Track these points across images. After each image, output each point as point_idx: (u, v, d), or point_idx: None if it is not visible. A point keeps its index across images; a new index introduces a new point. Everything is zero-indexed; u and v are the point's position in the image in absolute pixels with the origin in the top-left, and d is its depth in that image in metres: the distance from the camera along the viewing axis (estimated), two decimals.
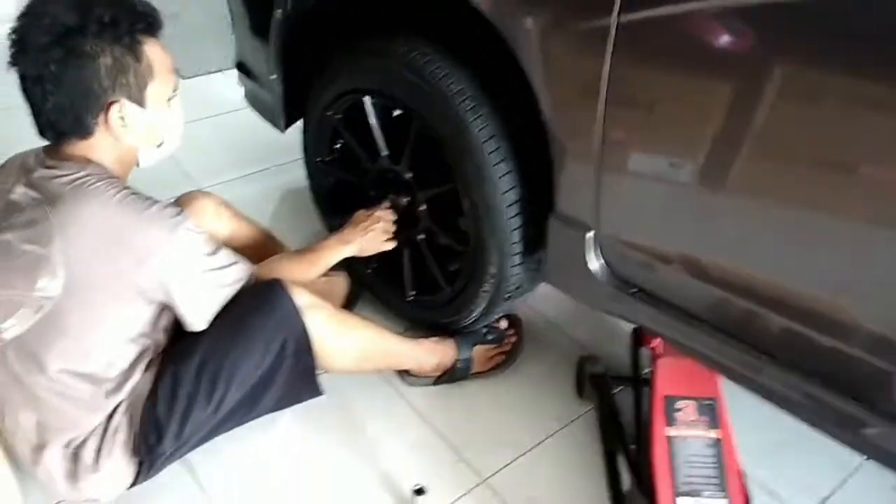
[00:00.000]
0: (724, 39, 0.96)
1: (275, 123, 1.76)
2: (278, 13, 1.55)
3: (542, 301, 1.83)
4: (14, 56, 1.12)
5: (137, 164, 1.30)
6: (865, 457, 1.12)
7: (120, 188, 1.16)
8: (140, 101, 1.19)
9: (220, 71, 2.96)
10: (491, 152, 1.32)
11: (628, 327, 1.67)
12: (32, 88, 1.13)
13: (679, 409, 1.32)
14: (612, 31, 1.03)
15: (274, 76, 1.67)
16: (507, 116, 1.33)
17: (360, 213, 1.58)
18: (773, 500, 1.41)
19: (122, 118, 1.18)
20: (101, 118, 1.17)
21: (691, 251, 1.16)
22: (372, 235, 1.55)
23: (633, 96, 1.09)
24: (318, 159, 1.72)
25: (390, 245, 1.58)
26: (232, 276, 1.27)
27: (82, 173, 1.16)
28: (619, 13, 1.01)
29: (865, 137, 0.89)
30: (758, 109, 0.96)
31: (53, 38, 1.09)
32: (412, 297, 1.67)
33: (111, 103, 1.16)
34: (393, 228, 1.57)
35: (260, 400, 1.33)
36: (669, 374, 1.36)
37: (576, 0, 1.08)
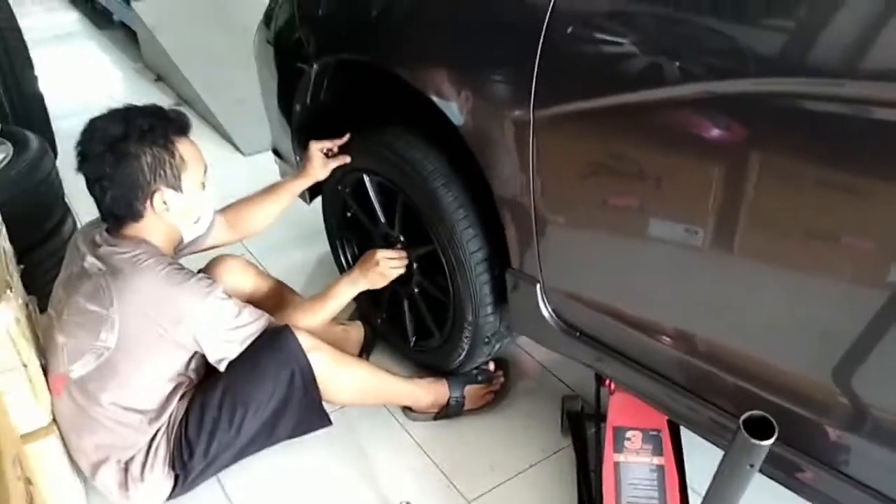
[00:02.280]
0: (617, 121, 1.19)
1: (302, 197, 2.08)
2: (297, 107, 1.88)
3: (534, 346, 2.04)
4: (79, 164, 1.48)
5: (182, 241, 1.62)
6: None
7: (166, 264, 1.48)
8: (177, 188, 1.51)
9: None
10: (460, 219, 1.58)
11: None
12: (93, 187, 1.48)
13: (628, 439, 1.50)
14: (531, 122, 1.28)
15: (298, 158, 2.00)
16: (473, 189, 1.58)
17: (368, 253, 1.79)
18: None
19: (165, 202, 1.50)
20: (147, 204, 1.49)
21: (613, 300, 1.37)
22: (377, 268, 1.74)
23: (554, 171, 1.32)
24: (333, 223, 2.03)
25: (395, 275, 1.77)
26: (252, 329, 1.56)
27: (138, 251, 1.48)
28: (533, 110, 1.26)
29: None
30: (655, 171, 1.17)
31: (105, 147, 1.43)
32: (414, 343, 1.92)
33: (154, 192, 1.48)
34: (395, 263, 1.76)
35: (276, 426, 1.60)
36: (621, 408, 1.54)
37: (501, 97, 1.34)
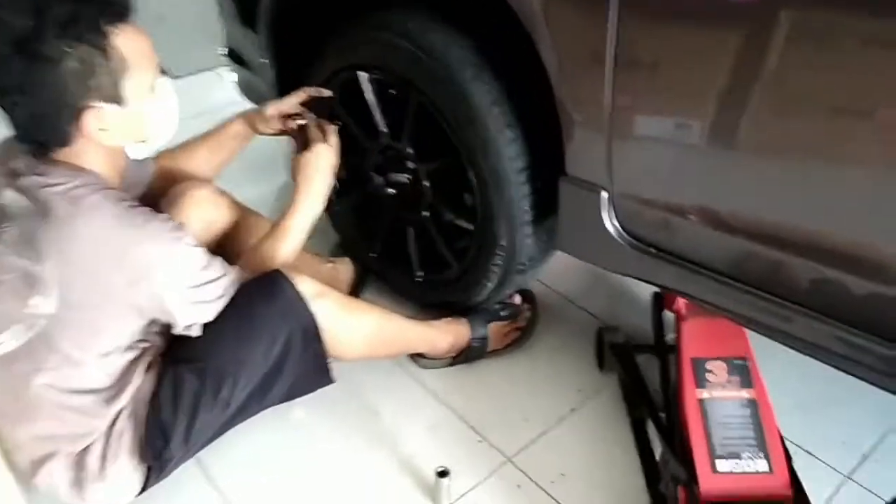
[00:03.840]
0: None
1: None
2: None
3: (554, 277, 1.79)
4: None
5: (127, 159, 1.23)
6: None
7: (116, 200, 1.10)
8: (116, 100, 1.09)
9: (209, 70, 2.90)
10: (495, 118, 1.27)
11: (644, 296, 1.62)
12: (1, 99, 1.06)
13: (709, 371, 1.27)
14: None
15: (265, 60, 1.61)
16: (509, 81, 1.27)
17: (297, 157, 1.42)
18: (812, 460, 1.37)
19: (101, 119, 1.09)
20: (76, 125, 1.08)
21: (709, 202, 1.11)
22: (318, 158, 1.39)
23: (640, 52, 1.04)
24: None
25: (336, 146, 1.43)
26: (224, 283, 1.21)
27: (76, 183, 1.09)
28: None
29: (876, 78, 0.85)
30: (767, 56, 0.92)
31: (10, 47, 1.00)
32: (420, 278, 1.62)
33: (84, 108, 1.07)
34: (329, 138, 1.42)
35: (269, 391, 1.28)
36: (696, 336, 1.31)
37: None
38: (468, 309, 1.58)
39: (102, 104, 1.08)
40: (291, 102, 1.46)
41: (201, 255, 1.19)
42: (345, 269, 1.72)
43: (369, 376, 1.55)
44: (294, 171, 1.40)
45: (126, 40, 1.08)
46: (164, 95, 1.19)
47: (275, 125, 1.48)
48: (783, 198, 1.03)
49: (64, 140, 1.10)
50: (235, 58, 1.78)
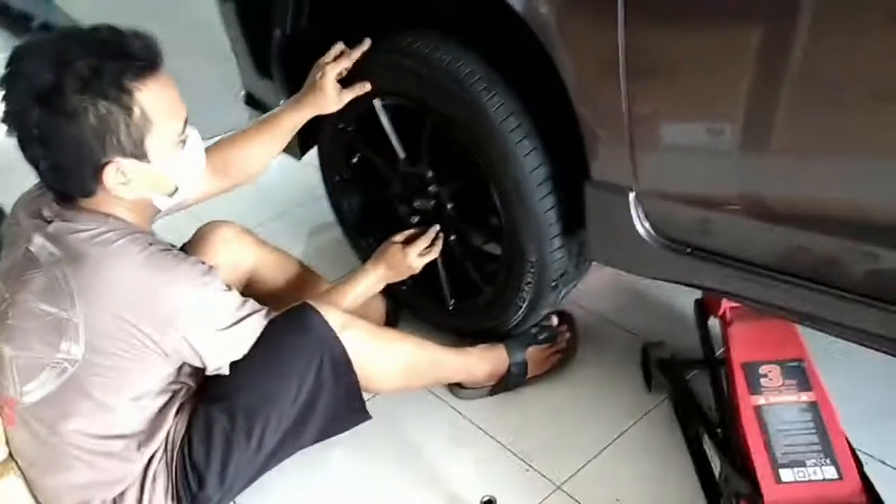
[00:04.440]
0: None
1: (290, 152, 1.70)
2: (277, 33, 1.52)
3: (590, 298, 1.72)
4: (3, 116, 1.04)
5: (158, 210, 1.22)
6: None
7: (144, 245, 1.09)
8: (138, 156, 1.07)
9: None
10: (511, 131, 1.24)
11: (687, 309, 1.54)
12: (25, 150, 1.06)
13: (763, 376, 1.18)
14: None
15: (283, 102, 1.62)
16: (523, 92, 1.25)
17: (391, 245, 1.47)
18: (886, 469, 1.25)
19: (123, 174, 1.07)
20: (98, 179, 1.07)
21: (742, 191, 1.05)
22: (404, 263, 1.45)
23: (650, 54, 1.01)
24: (336, 178, 1.65)
25: (426, 261, 1.48)
26: (255, 323, 1.18)
27: (103, 229, 1.09)
28: None
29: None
30: (772, 44, 0.90)
31: (32, 99, 1.00)
32: (453, 306, 1.57)
33: (106, 164, 1.06)
34: (422, 248, 1.47)
35: (303, 429, 1.24)
36: (745, 340, 1.23)
37: None
38: (505, 335, 1.52)
39: (123, 159, 1.06)
40: (341, 63, 1.38)
41: (232, 297, 1.17)
42: (376, 304, 1.68)
43: (408, 411, 1.50)
44: (382, 252, 1.46)
45: (151, 96, 1.05)
46: (191, 148, 1.16)
47: (343, 96, 1.40)
48: (822, 176, 0.97)
49: (87, 191, 1.10)
50: (254, 103, 1.80)
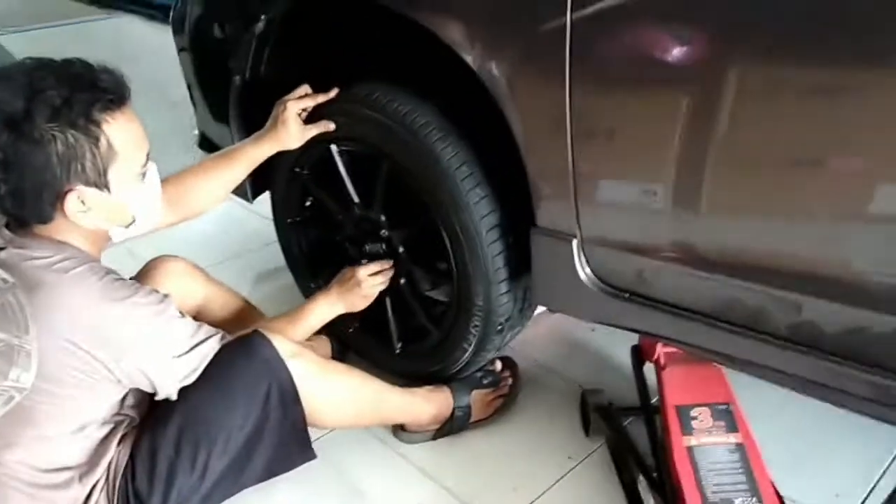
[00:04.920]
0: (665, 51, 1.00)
1: (241, 195, 1.73)
2: (237, 79, 1.57)
3: (531, 346, 1.78)
4: None
5: (110, 240, 1.22)
6: None
7: (101, 273, 1.10)
8: (100, 185, 1.09)
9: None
10: (463, 179, 1.31)
11: (624, 358, 1.62)
12: None
13: (694, 418, 1.25)
14: (567, 62, 1.06)
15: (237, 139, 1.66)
16: (476, 141, 1.32)
17: (346, 269, 1.51)
18: None
19: (83, 203, 1.09)
20: (57, 206, 1.08)
21: (677, 240, 1.13)
22: (358, 290, 1.48)
23: (595, 114, 1.10)
24: (289, 220, 1.68)
25: (378, 288, 1.51)
26: (208, 348, 1.20)
27: (59, 257, 1.09)
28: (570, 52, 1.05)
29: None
30: (699, 108, 1.00)
31: (1, 124, 1.01)
32: (400, 349, 1.60)
33: (67, 191, 1.07)
34: (378, 280, 1.50)
35: (249, 461, 1.23)
36: (678, 384, 1.31)
37: (534, 40, 1.11)
38: (449, 379, 1.56)
39: (85, 188, 1.08)
40: (305, 102, 1.44)
41: (186, 323, 1.18)
42: (323, 347, 1.69)
43: (351, 453, 1.50)
44: (340, 279, 1.49)
45: (118, 129, 1.08)
46: (150, 183, 1.18)
47: (305, 133, 1.44)
48: (743, 232, 1.06)
49: (44, 217, 1.10)
50: (207, 145, 1.82)
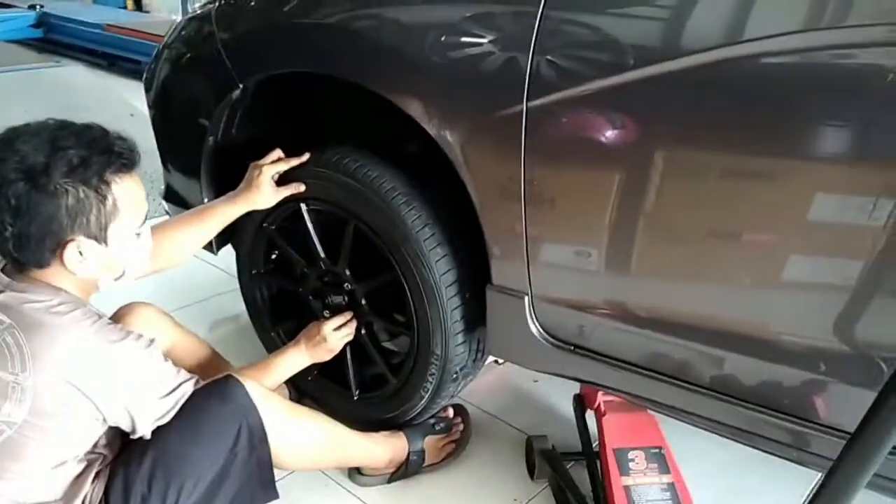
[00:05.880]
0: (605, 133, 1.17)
1: (208, 247, 1.81)
2: (210, 140, 1.67)
3: (480, 396, 1.90)
4: None
5: (98, 288, 1.28)
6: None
7: (94, 318, 1.18)
8: (99, 239, 1.18)
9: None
10: (426, 239, 1.43)
11: (566, 408, 1.75)
12: None
13: (631, 460, 1.38)
14: (522, 141, 1.21)
15: (206, 200, 1.75)
16: (438, 205, 1.46)
17: (312, 325, 1.61)
18: None
19: (81, 253, 1.16)
20: (57, 253, 1.15)
21: (614, 299, 1.28)
22: (324, 344, 1.57)
23: (546, 187, 1.24)
24: (253, 272, 1.77)
25: (343, 339, 1.60)
26: (185, 390, 1.26)
27: (56, 301, 1.16)
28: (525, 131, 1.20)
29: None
30: (641, 186, 1.16)
31: (20, 175, 1.10)
32: (357, 396, 1.69)
33: (69, 241, 1.15)
34: (344, 332, 1.60)
35: (215, 499, 1.28)
36: (616, 429, 1.44)
37: (494, 121, 1.25)
38: (404, 425, 1.65)
39: (85, 239, 1.16)
40: (274, 162, 1.54)
41: (169, 366, 1.26)
42: (280, 393, 1.76)
43: (311, 495, 1.57)
44: (307, 333, 1.59)
45: (124, 189, 1.18)
46: (143, 241, 1.27)
47: (278, 194, 1.54)
48: (671, 293, 1.22)
49: (42, 262, 1.17)
50: (173, 198, 1.90)
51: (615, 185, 1.19)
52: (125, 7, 8.68)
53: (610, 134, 1.17)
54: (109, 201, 1.16)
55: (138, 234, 1.24)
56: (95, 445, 1.23)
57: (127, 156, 1.19)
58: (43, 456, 1.15)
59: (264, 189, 1.53)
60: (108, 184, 1.16)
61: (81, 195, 1.13)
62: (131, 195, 1.20)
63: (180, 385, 1.25)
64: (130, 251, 1.24)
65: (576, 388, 1.68)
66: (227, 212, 1.55)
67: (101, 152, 1.15)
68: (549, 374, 1.43)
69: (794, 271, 1.09)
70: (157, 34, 5.58)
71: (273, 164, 1.55)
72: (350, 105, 1.59)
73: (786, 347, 1.14)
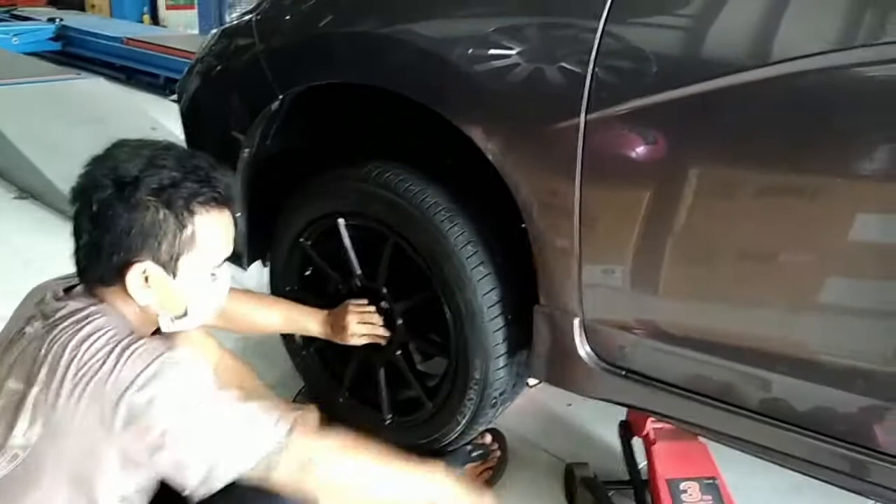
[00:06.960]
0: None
1: (237, 262, 1.76)
2: (246, 153, 1.62)
3: (515, 420, 1.83)
4: (76, 185, 1.07)
5: (159, 329, 1.18)
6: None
7: (134, 337, 1.05)
8: (168, 268, 1.08)
9: None
10: (469, 257, 1.38)
11: (605, 434, 1.68)
12: (77, 219, 1.08)
13: (684, 491, 1.32)
14: (580, 158, 1.17)
15: (238, 214, 1.70)
16: (482, 221, 1.41)
17: (349, 303, 1.57)
18: None
19: (146, 279, 1.08)
20: (123, 272, 1.07)
21: (668, 324, 1.23)
22: (344, 329, 1.55)
23: (602, 203, 1.21)
24: (287, 288, 1.72)
25: (357, 341, 1.58)
26: (275, 441, 1.06)
27: (91, 308, 1.07)
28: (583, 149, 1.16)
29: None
30: (698, 205, 1.12)
31: (108, 182, 1.04)
32: (390, 420, 1.63)
33: (135, 261, 1.06)
34: (363, 331, 1.56)
35: None
36: (667, 458, 1.37)
37: (551, 137, 1.21)
38: (438, 452, 1.59)
39: (153, 265, 1.07)
40: (367, 313, 1.57)
41: (254, 409, 1.08)
42: (311, 417, 1.70)
43: None
44: (339, 309, 1.57)
45: (208, 223, 1.08)
46: (217, 286, 1.17)
47: (357, 340, 1.57)
48: (723, 314, 1.17)
49: (105, 279, 1.09)
50: None
51: (670, 204, 1.14)
52: (141, 22, 8.76)
53: (668, 150, 1.13)
54: (188, 231, 1.07)
55: (214, 277, 1.15)
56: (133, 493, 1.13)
57: (221, 190, 1.11)
58: (61, 490, 1.04)
59: (350, 329, 1.55)
60: (192, 213, 1.07)
61: (160, 216, 1.05)
62: (214, 232, 1.11)
63: (269, 428, 1.07)
64: (200, 292, 1.14)
65: (612, 412, 1.61)
66: (306, 322, 1.60)
67: (195, 180, 1.07)
68: (600, 399, 1.36)
69: (835, 292, 1.07)
70: (176, 48, 5.60)
71: (365, 315, 1.56)
72: (384, 116, 1.55)
73: (836, 370, 1.10)
